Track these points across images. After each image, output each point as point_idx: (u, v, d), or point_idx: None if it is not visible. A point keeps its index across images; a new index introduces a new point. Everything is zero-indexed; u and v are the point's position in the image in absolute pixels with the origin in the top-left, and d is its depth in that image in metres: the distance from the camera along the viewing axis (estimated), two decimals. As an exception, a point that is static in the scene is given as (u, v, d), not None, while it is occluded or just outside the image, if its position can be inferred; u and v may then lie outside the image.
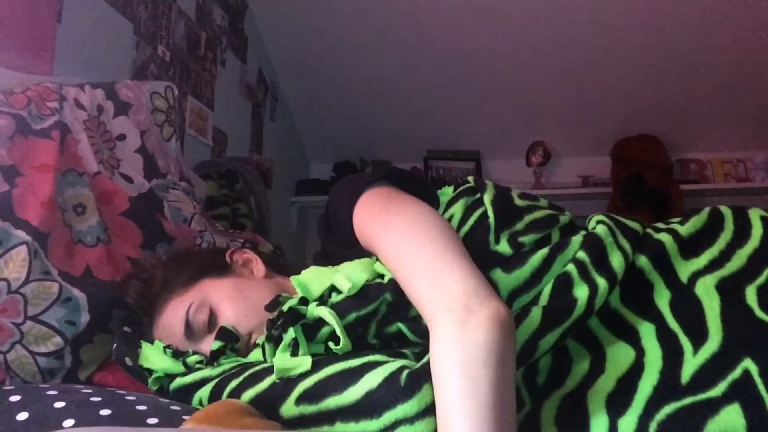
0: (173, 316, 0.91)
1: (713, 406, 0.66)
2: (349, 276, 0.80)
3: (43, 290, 0.89)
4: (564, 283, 0.76)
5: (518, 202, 0.87)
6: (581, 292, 0.74)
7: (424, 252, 0.73)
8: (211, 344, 0.86)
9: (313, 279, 0.83)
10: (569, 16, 2.84)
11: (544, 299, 0.76)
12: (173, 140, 1.41)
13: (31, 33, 1.40)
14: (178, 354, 0.87)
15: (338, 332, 0.75)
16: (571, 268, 0.77)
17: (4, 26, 1.31)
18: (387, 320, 0.78)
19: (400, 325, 0.78)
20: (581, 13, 2.82)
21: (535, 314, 0.72)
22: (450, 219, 0.84)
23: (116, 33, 1.83)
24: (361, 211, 0.84)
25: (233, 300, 0.91)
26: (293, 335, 0.76)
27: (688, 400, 0.67)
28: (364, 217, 0.83)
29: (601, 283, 0.75)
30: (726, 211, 0.85)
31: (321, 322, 0.77)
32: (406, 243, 0.76)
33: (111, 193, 1.13)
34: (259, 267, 1.00)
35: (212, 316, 0.90)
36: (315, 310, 0.77)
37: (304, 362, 0.73)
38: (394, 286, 0.77)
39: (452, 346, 0.64)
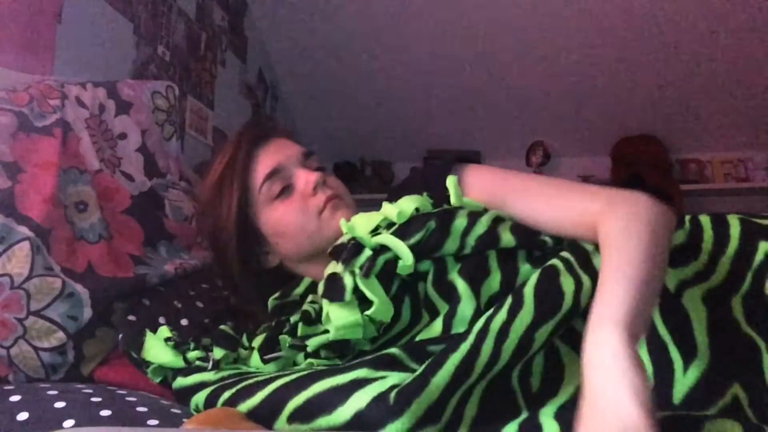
0: (296, 145, 1.03)
1: (709, 418, 0.66)
2: (399, 205, 0.85)
3: (46, 286, 0.89)
4: (550, 273, 0.76)
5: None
6: (567, 283, 0.75)
7: (559, 182, 0.88)
8: (310, 174, 0.96)
9: (361, 221, 0.86)
10: (569, 17, 2.85)
11: (531, 282, 0.76)
12: (174, 140, 1.42)
13: (31, 33, 1.41)
14: (179, 345, 0.88)
15: (402, 252, 0.79)
16: (556, 262, 0.78)
17: (4, 26, 1.32)
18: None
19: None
20: (581, 14, 2.82)
21: (528, 302, 0.72)
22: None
23: (116, 33, 1.83)
24: (475, 169, 0.94)
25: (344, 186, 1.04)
26: (366, 257, 0.80)
27: (682, 413, 0.67)
28: (481, 170, 0.94)
29: (586, 280, 0.76)
30: (704, 219, 0.87)
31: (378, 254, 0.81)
32: (541, 179, 0.92)
33: (112, 191, 1.13)
34: None
35: (323, 170, 1.01)
36: (374, 239, 0.81)
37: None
38: (439, 215, 0.82)
39: (618, 216, 0.75)
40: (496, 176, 0.92)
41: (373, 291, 0.77)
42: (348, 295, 0.77)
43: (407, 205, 0.85)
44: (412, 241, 0.80)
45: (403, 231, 0.81)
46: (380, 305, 0.76)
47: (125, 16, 1.86)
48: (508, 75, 3.20)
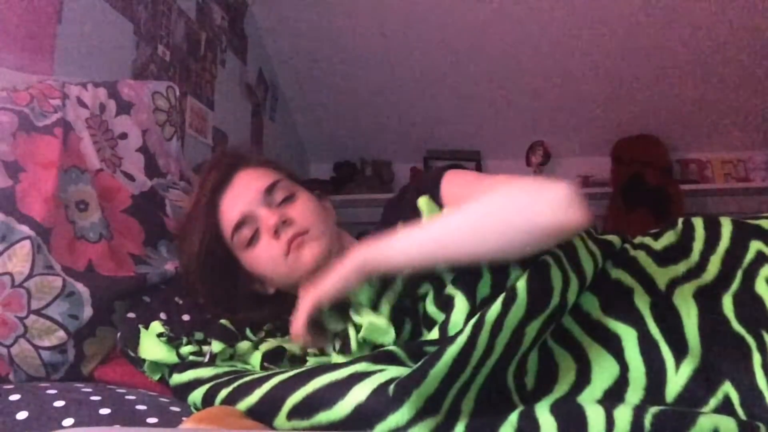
0: (258, 177, 1.00)
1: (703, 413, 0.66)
2: None
3: (47, 284, 0.89)
4: (542, 268, 0.77)
5: None
6: (556, 279, 0.76)
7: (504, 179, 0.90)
8: (270, 217, 0.95)
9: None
10: (569, 17, 2.85)
11: (524, 277, 0.76)
12: (174, 140, 1.42)
13: (31, 33, 1.41)
14: (171, 340, 0.88)
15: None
16: (547, 257, 0.79)
17: (4, 26, 1.32)
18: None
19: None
20: (581, 14, 2.82)
21: (521, 297, 0.72)
22: None
23: (116, 33, 1.83)
24: (450, 175, 0.95)
25: (315, 208, 1.01)
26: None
27: (677, 408, 0.67)
28: (453, 176, 0.94)
29: (572, 276, 0.77)
30: (697, 220, 0.88)
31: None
32: (499, 179, 0.90)
33: (113, 191, 1.13)
34: (333, 213, 1.08)
35: (290, 199, 0.99)
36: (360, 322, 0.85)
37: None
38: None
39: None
40: (463, 181, 0.92)
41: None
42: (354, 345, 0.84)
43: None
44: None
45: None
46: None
47: (125, 16, 1.86)
48: (509, 75, 3.20)
